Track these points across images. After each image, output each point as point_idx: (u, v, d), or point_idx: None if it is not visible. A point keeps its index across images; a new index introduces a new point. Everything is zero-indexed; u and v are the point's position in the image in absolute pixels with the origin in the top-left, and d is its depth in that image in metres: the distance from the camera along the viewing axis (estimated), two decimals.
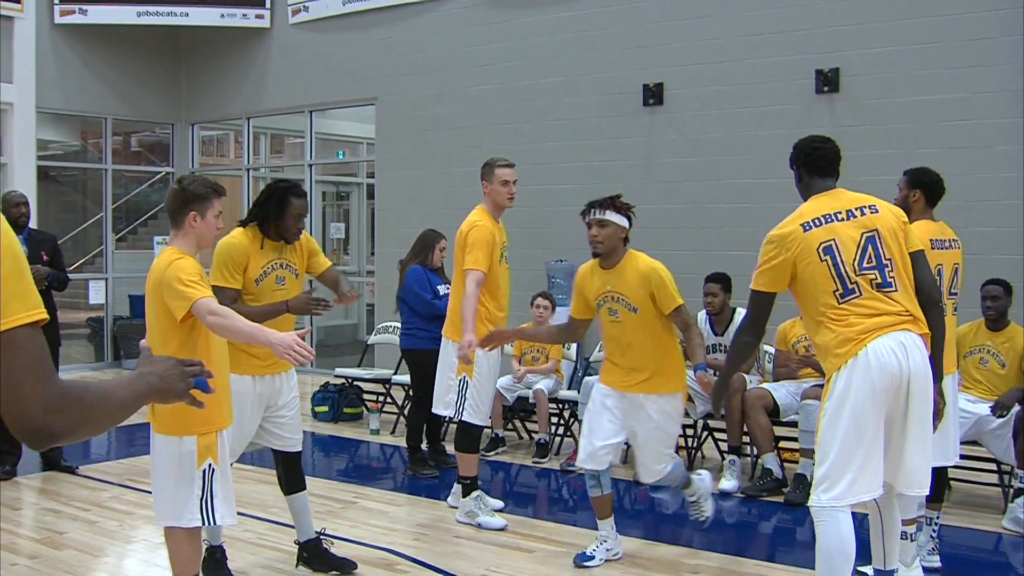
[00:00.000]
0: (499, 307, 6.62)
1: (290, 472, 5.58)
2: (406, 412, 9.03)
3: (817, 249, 4.40)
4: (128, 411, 2.08)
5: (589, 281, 5.77)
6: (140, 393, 2.17)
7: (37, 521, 6.85)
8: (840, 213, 4.47)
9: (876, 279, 4.36)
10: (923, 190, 5.52)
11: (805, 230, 4.45)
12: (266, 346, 4.39)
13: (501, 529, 6.49)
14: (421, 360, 7.84)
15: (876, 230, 4.44)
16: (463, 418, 6.62)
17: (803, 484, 6.86)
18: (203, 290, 4.27)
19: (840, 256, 4.38)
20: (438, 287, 8.19)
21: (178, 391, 2.32)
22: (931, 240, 5.28)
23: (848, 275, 4.36)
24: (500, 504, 6.96)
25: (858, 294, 4.33)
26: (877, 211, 4.51)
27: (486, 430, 7.98)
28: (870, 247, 4.40)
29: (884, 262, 4.40)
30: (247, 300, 5.26)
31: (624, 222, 5.59)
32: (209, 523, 4.45)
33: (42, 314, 1.84)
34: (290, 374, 5.48)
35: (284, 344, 4.22)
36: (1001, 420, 6.61)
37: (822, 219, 4.46)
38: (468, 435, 6.71)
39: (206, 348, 4.33)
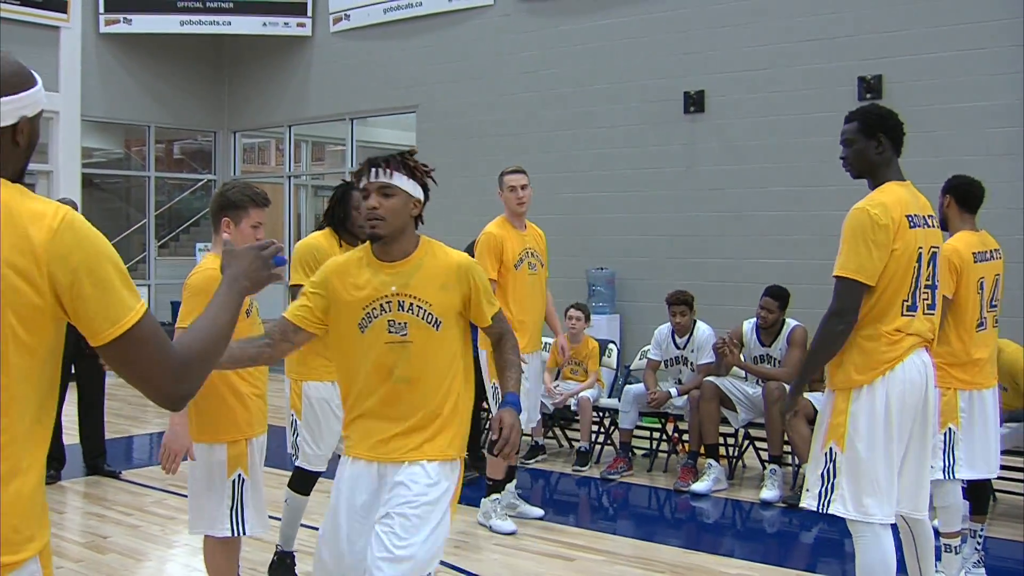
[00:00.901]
0: (518, 310, 6.62)
1: None
2: None
3: (917, 250, 4.09)
4: (234, 325, 2.34)
5: (352, 275, 3.70)
6: (237, 305, 2.41)
7: (81, 525, 6.92)
8: (920, 217, 4.15)
9: (928, 300, 4.15)
10: (953, 194, 5.33)
11: (911, 225, 4.07)
12: None
13: (510, 534, 6.55)
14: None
15: (938, 247, 4.25)
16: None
17: None
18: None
19: (921, 267, 4.11)
20: None
21: (264, 280, 2.58)
22: (973, 253, 5.17)
23: (920, 289, 4.11)
24: (540, 512, 6.97)
25: (917, 312, 4.11)
26: (936, 226, 4.30)
27: (525, 437, 8.00)
28: (931, 265, 4.17)
29: (935, 283, 4.20)
30: None
31: (419, 192, 3.71)
32: (238, 533, 4.45)
33: (144, 304, 2.08)
34: None
35: None
36: None
37: (921, 219, 4.14)
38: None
39: None
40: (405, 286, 3.62)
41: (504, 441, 3.56)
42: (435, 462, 3.60)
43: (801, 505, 4.30)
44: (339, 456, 5.24)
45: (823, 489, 4.16)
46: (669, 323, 8.39)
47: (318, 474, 5.49)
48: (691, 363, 8.26)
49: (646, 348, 8.85)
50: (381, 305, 3.62)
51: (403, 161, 3.67)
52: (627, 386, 8.57)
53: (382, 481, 3.61)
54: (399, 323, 3.60)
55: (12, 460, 2.00)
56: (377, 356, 3.61)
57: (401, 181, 3.63)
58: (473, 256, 7.96)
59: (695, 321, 8.32)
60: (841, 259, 4.08)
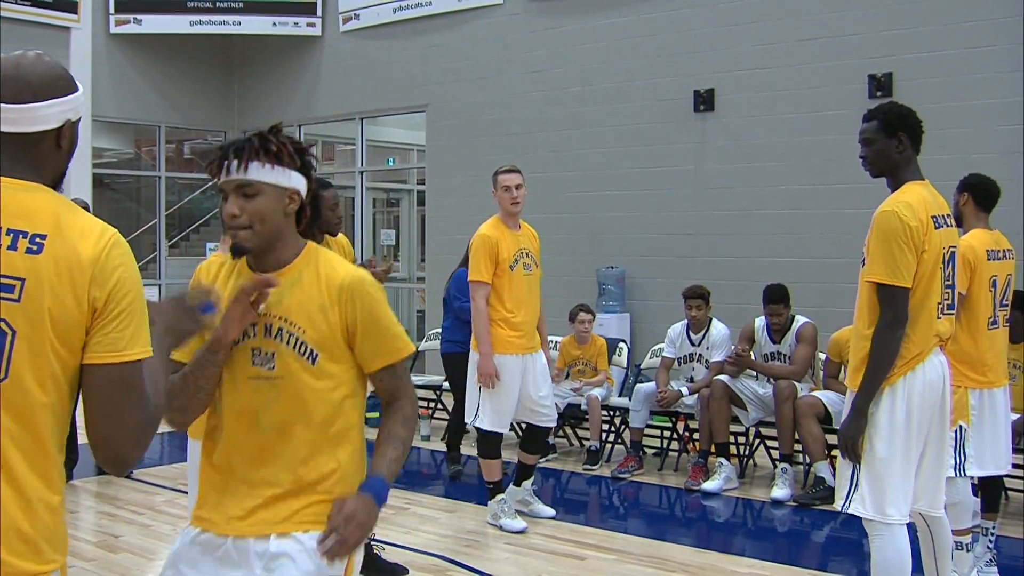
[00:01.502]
0: (514, 310, 6.61)
1: None
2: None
3: (943, 252, 4.07)
4: (166, 384, 2.37)
5: (223, 287, 2.84)
6: (166, 364, 2.40)
7: (93, 524, 6.95)
8: (941, 217, 4.11)
9: (948, 300, 4.13)
10: (970, 192, 5.31)
11: (936, 226, 4.02)
12: None
13: (521, 532, 6.56)
14: (461, 363, 7.75)
15: (956, 246, 4.22)
16: (475, 424, 6.75)
17: None
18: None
19: (946, 268, 4.09)
20: None
21: (190, 332, 2.53)
22: (987, 251, 5.15)
23: (942, 290, 4.09)
24: (551, 511, 6.96)
25: (942, 313, 4.10)
26: (953, 225, 4.27)
27: None
28: (951, 265, 4.14)
29: (954, 282, 4.18)
30: None
31: (293, 181, 2.75)
32: None
33: (149, 351, 2.06)
34: None
35: None
36: None
37: (942, 219, 4.09)
38: (486, 442, 6.79)
39: None
40: (276, 305, 2.73)
41: (331, 530, 2.59)
42: (316, 533, 2.64)
43: (834, 506, 4.31)
44: None
45: (850, 488, 4.16)
46: (683, 320, 8.37)
47: None
48: (705, 360, 8.24)
49: (656, 347, 8.83)
50: (244, 329, 2.73)
51: (262, 146, 2.72)
52: (638, 385, 8.55)
53: (242, 562, 2.67)
54: (265, 352, 2.72)
55: (56, 471, 2.05)
56: (240, 396, 2.73)
57: (263, 173, 2.70)
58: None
59: (711, 318, 8.31)
60: (877, 266, 3.99)
